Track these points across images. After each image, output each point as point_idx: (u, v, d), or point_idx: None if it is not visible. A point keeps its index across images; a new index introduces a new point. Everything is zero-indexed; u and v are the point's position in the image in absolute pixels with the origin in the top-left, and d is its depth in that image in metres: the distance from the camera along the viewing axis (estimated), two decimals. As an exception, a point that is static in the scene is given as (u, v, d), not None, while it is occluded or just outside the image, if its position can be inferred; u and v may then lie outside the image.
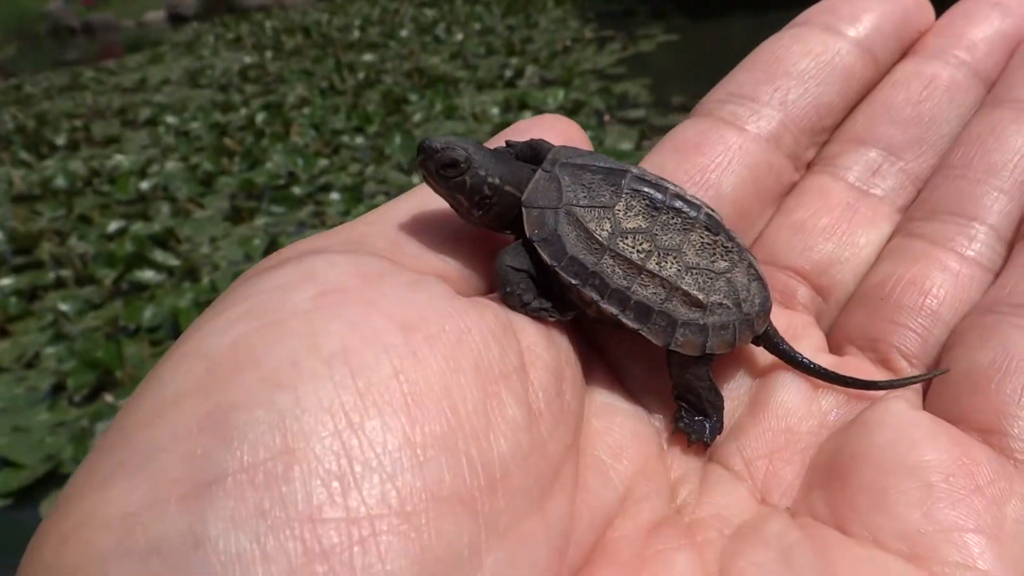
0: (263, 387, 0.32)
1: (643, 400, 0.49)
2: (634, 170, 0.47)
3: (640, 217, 0.46)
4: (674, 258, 0.46)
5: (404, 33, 7.08)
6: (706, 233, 0.47)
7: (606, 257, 0.45)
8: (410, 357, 0.35)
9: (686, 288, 0.46)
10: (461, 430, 0.34)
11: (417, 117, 4.40)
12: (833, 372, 0.48)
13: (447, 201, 0.47)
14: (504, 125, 4.27)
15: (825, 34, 0.59)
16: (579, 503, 0.40)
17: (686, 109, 4.14)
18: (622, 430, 0.46)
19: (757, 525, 0.41)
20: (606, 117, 4.07)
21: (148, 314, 2.57)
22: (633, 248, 0.45)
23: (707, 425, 0.47)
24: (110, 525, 0.29)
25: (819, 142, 0.59)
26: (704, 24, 6.57)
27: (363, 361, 0.34)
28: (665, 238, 0.46)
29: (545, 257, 0.45)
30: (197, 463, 0.30)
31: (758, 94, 0.57)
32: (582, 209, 0.46)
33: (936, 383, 0.47)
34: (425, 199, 0.47)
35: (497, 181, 0.46)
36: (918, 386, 0.48)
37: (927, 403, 0.47)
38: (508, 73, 5.13)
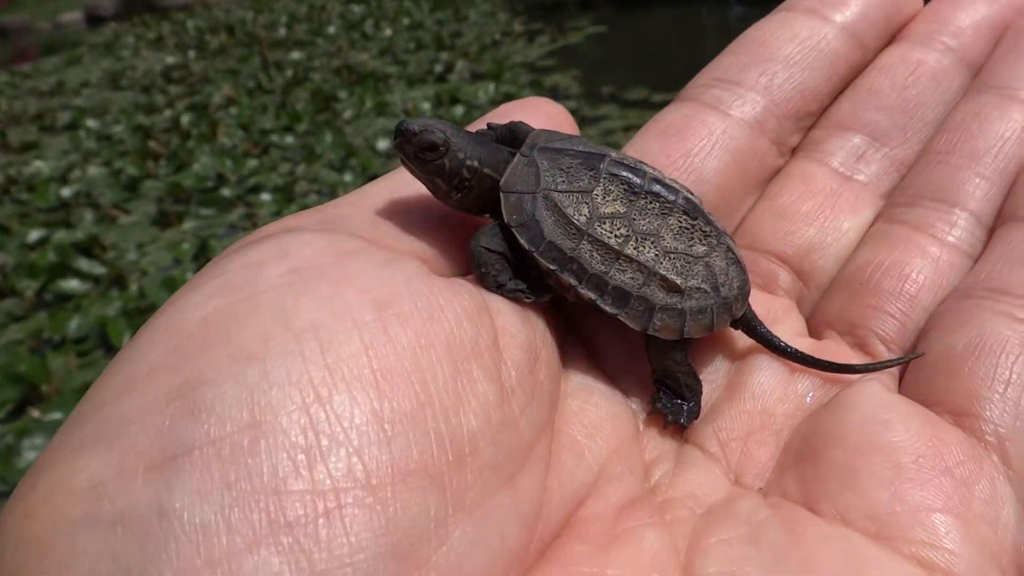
0: (232, 361, 0.32)
1: (621, 382, 0.49)
2: (613, 154, 0.47)
3: (618, 202, 0.46)
4: (652, 243, 0.46)
5: (332, 30, 6.98)
6: (684, 217, 0.47)
7: (584, 242, 0.45)
8: (381, 333, 0.35)
9: (664, 273, 0.46)
10: (430, 406, 0.34)
11: (347, 114, 4.35)
12: (810, 356, 0.48)
13: (425, 184, 0.46)
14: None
15: (812, 19, 0.59)
16: (551, 481, 0.40)
17: (615, 99, 4.19)
18: (598, 411, 0.46)
19: (729, 504, 0.42)
20: (537, 109, 4.08)
21: (74, 325, 2.49)
22: (611, 233, 0.45)
23: (684, 408, 0.47)
24: (78, 495, 0.29)
25: (804, 127, 0.59)
26: (631, 15, 6.64)
27: (333, 336, 0.34)
28: (643, 223, 0.46)
29: (523, 242, 0.45)
30: (165, 435, 0.30)
31: (743, 79, 0.57)
32: (560, 194, 0.46)
33: (912, 367, 0.48)
34: (404, 180, 0.47)
35: (476, 164, 0.46)
36: (895, 370, 0.49)
37: (903, 387, 0.47)
38: (438, 68, 5.11)
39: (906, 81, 0.59)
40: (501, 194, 0.46)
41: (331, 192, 3.34)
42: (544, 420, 0.42)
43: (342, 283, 0.36)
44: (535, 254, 0.45)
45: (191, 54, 6.83)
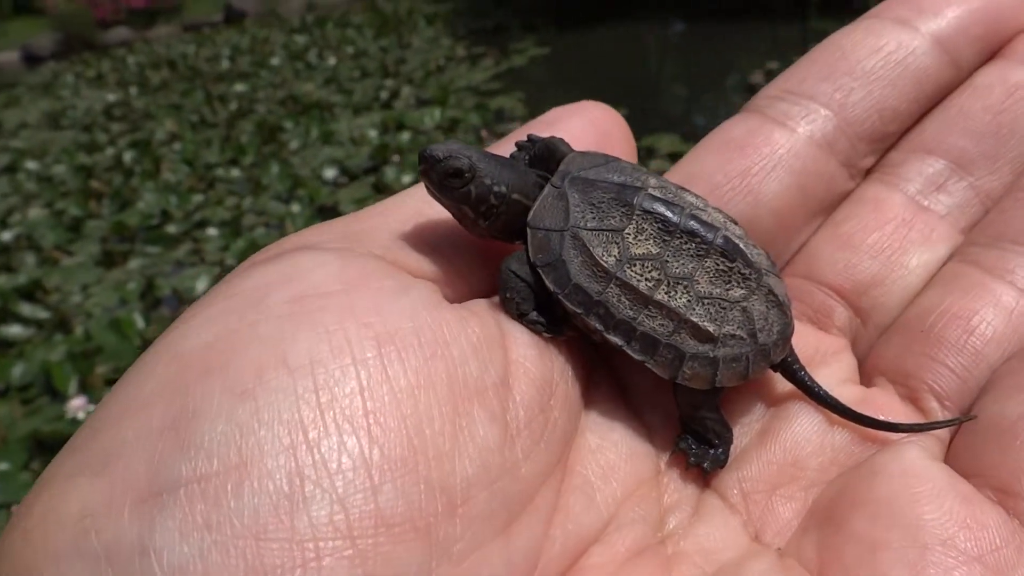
0: (226, 395, 0.32)
1: (646, 416, 0.46)
2: (652, 183, 0.45)
3: (651, 242, 0.43)
4: (685, 287, 0.43)
5: (275, 61, 6.96)
6: (721, 260, 0.44)
7: (612, 286, 0.43)
8: (379, 372, 0.34)
9: (696, 320, 0.43)
10: (423, 452, 0.33)
11: (293, 145, 4.34)
12: (850, 408, 0.44)
13: (451, 212, 0.44)
14: (383, 147, 4.19)
15: (900, 29, 0.53)
16: (555, 527, 0.39)
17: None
18: (617, 449, 0.44)
19: (740, 565, 0.39)
20: (483, 133, 4.11)
21: (18, 372, 2.42)
22: (641, 276, 0.43)
23: (710, 454, 0.44)
24: (66, 526, 0.30)
25: (880, 149, 0.54)
26: (573, 35, 6.75)
27: (329, 374, 0.33)
28: (676, 265, 0.43)
29: (549, 283, 0.43)
30: (155, 468, 0.30)
31: (816, 92, 0.52)
32: (589, 232, 0.43)
33: (963, 431, 0.43)
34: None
35: (504, 189, 0.44)
36: (943, 433, 0.44)
37: (950, 452, 0.43)
38: (384, 95, 5.13)
39: (1002, 104, 0.51)
40: (528, 230, 0.44)
41: (279, 225, 3.32)
42: (554, 461, 0.40)
43: (346, 314, 0.35)
44: (560, 296, 0.43)
45: (132, 91, 6.74)
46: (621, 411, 0.46)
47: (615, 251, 0.43)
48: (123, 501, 0.30)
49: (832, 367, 0.48)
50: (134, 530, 0.29)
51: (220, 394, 0.32)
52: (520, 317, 0.42)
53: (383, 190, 3.52)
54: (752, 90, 3.86)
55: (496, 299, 0.43)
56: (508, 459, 0.36)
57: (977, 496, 0.38)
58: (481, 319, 0.40)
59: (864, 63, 0.52)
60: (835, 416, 0.45)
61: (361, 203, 3.43)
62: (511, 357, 0.40)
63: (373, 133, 4.26)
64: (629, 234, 0.43)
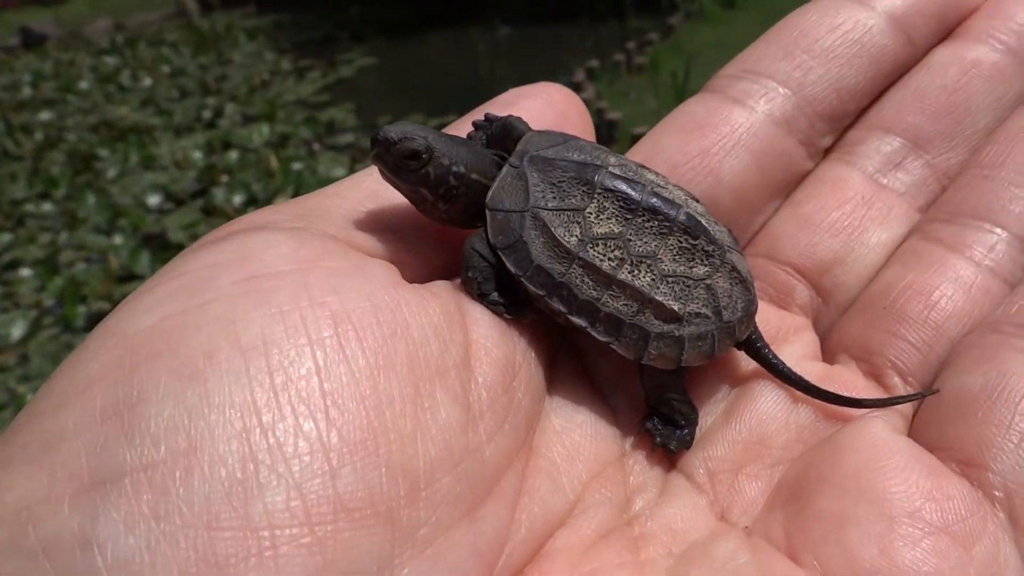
0: (173, 378, 0.30)
1: (611, 398, 0.46)
2: (612, 161, 0.44)
3: (613, 221, 0.43)
4: (648, 266, 0.43)
5: (84, 85, 6.51)
6: (685, 237, 0.43)
7: (575, 266, 0.42)
8: (336, 352, 0.33)
9: (660, 299, 0.43)
10: (384, 434, 0.32)
11: (111, 173, 4.08)
12: (814, 385, 0.44)
13: (407, 196, 0.43)
14: (210, 169, 4.05)
15: (858, 9, 0.53)
16: (521, 509, 0.38)
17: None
18: (582, 431, 0.43)
19: (707, 544, 0.39)
20: (315, 146, 4.03)
21: None
22: (604, 256, 0.42)
23: (676, 434, 0.44)
24: (3, 519, 0.28)
25: (839, 128, 0.54)
26: (401, 43, 6.73)
27: (283, 355, 0.32)
28: (639, 244, 0.43)
29: (510, 265, 0.42)
30: (97, 457, 0.29)
31: (774, 72, 0.52)
32: (550, 212, 0.43)
33: (926, 405, 0.44)
34: None
35: (462, 169, 0.43)
36: (906, 407, 0.44)
37: (914, 426, 0.44)
38: (207, 114, 4.91)
39: (957, 83, 0.52)
40: (487, 212, 0.43)
41: (101, 258, 3.11)
42: (518, 443, 0.39)
43: (300, 294, 0.34)
44: (522, 278, 0.42)
45: (-81, 126, 6.13)
46: (585, 392, 0.45)
47: (577, 231, 0.43)
48: (63, 492, 0.28)
49: (794, 345, 0.48)
50: (75, 522, 0.28)
51: (167, 377, 0.30)
52: (481, 298, 0.42)
53: (213, 213, 3.38)
54: (577, 88, 3.98)
55: (457, 281, 0.43)
56: (472, 441, 0.36)
57: (942, 468, 0.39)
58: (441, 299, 0.39)
59: (822, 41, 0.52)
60: (799, 393, 0.45)
61: (190, 228, 3.28)
62: (472, 338, 0.39)
63: (198, 154, 4.09)
64: (591, 213, 0.43)
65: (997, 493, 0.38)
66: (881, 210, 0.51)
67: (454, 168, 0.43)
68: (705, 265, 0.44)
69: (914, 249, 0.49)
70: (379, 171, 0.43)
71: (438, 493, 0.33)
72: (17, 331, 2.67)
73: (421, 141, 0.42)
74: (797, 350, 0.48)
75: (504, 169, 0.44)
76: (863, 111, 0.54)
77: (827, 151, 0.54)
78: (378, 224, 0.42)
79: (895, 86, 0.54)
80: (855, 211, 0.50)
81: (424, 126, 0.43)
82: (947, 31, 0.55)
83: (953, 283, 0.46)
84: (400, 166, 0.42)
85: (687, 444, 0.44)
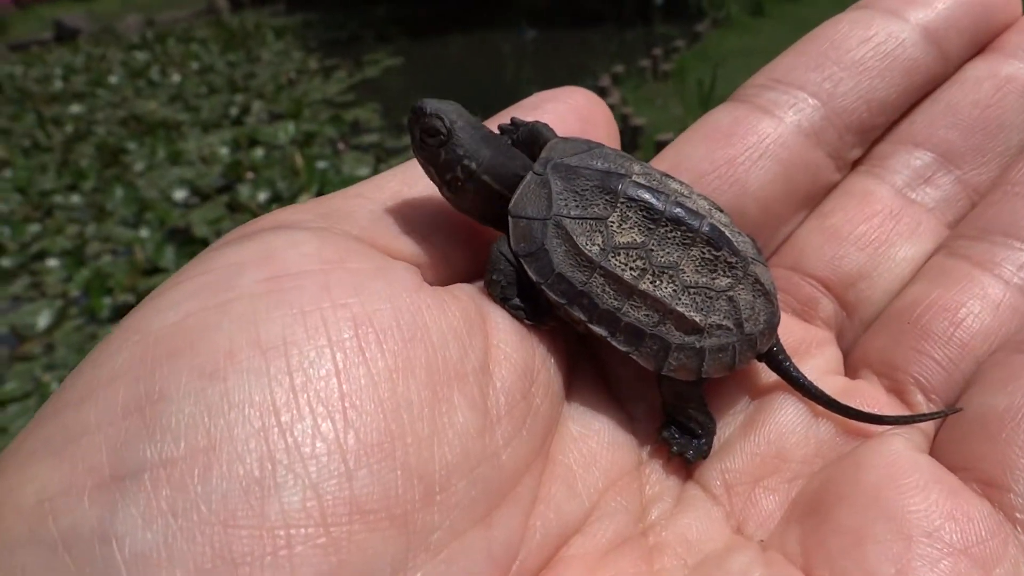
0: (195, 376, 0.31)
1: (628, 406, 0.46)
2: (636, 170, 0.44)
3: (635, 230, 0.42)
4: (670, 277, 0.43)
5: (114, 79, 6.59)
6: (707, 248, 0.43)
7: (596, 275, 0.42)
8: (356, 354, 0.33)
9: (682, 310, 0.42)
10: (401, 437, 0.32)
11: (139, 167, 4.13)
12: (834, 399, 0.44)
13: (426, 173, 0.43)
14: (235, 165, 4.07)
15: (889, 20, 0.52)
16: (536, 516, 0.38)
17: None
18: (599, 438, 0.43)
19: (722, 557, 0.39)
20: (340, 145, 4.05)
21: None
22: (626, 266, 0.42)
23: (693, 444, 0.44)
24: (23, 511, 0.28)
25: (868, 141, 0.53)
26: (427, 44, 6.76)
27: (303, 356, 0.32)
28: (662, 254, 0.43)
29: (531, 273, 0.42)
30: (117, 452, 0.29)
31: (804, 81, 0.51)
32: (572, 221, 0.43)
33: (949, 424, 0.43)
34: (418, 175, 0.44)
35: (474, 166, 0.43)
36: (928, 426, 0.43)
37: (935, 445, 0.43)
38: (234, 111, 4.96)
39: (990, 98, 0.51)
40: (509, 218, 0.43)
41: (127, 251, 3.15)
42: (535, 449, 0.39)
43: (322, 295, 0.34)
44: (543, 286, 0.42)
45: (-47, 116, 6.23)
46: (604, 400, 0.45)
47: (599, 240, 0.42)
48: (83, 485, 0.28)
49: (817, 359, 0.48)
50: (94, 515, 0.28)
51: (188, 374, 0.31)
52: (503, 301, 0.42)
53: (237, 209, 3.40)
54: (602, 93, 3.98)
55: (478, 284, 0.43)
56: (488, 446, 0.36)
57: (963, 488, 0.38)
58: (462, 303, 0.39)
59: (853, 53, 0.52)
60: (820, 408, 0.44)
61: (215, 223, 3.31)
62: (492, 342, 0.39)
63: (224, 150, 4.12)
64: (613, 222, 0.43)
65: (1019, 515, 0.37)
66: (909, 225, 0.50)
67: (465, 161, 0.43)
68: (727, 277, 0.43)
69: (941, 265, 0.48)
70: (411, 141, 0.44)
71: (453, 497, 0.33)
72: (43, 320, 2.71)
73: (446, 123, 0.42)
74: (819, 364, 0.47)
75: (528, 176, 0.44)
76: (893, 124, 0.54)
77: (855, 164, 0.54)
78: (401, 225, 0.42)
79: (927, 100, 0.53)
80: (882, 225, 0.50)
81: (465, 113, 0.44)
82: (981, 45, 0.54)
83: (980, 300, 0.45)
84: (421, 139, 0.43)
85: (704, 454, 0.44)
